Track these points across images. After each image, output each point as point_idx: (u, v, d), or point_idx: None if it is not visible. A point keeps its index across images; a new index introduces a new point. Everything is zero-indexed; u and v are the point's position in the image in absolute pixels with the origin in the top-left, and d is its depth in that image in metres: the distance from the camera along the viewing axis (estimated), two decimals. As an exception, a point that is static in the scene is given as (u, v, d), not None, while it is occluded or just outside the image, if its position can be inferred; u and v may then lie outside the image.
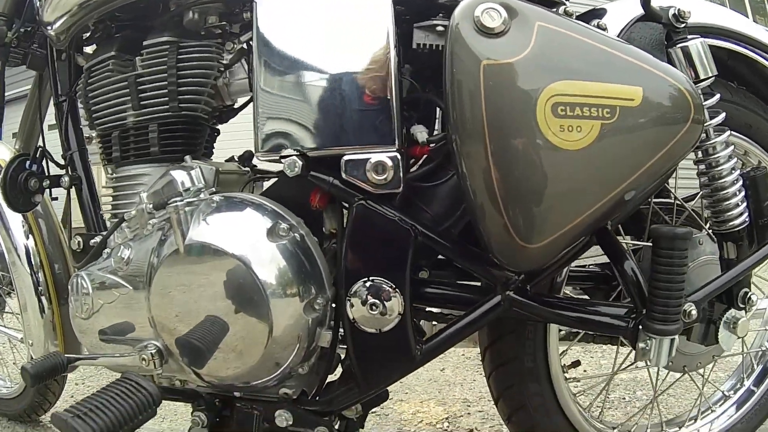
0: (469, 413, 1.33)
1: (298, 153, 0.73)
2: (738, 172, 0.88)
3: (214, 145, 0.96)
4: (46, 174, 1.07)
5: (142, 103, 0.88)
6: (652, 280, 0.74)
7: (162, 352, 0.78)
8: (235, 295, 0.72)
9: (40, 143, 1.10)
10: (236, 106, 0.97)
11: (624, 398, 1.32)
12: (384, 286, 0.73)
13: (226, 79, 0.92)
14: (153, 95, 0.87)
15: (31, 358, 1.21)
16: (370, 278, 0.74)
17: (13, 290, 1.29)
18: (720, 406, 1.08)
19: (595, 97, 0.67)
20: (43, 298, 1.18)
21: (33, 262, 1.19)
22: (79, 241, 0.93)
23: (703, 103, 0.75)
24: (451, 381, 1.56)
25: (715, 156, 0.86)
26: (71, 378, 1.56)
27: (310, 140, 0.74)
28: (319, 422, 0.81)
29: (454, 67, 0.65)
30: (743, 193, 0.88)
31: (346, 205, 0.76)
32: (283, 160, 0.73)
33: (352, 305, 0.74)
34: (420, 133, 0.77)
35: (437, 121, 0.91)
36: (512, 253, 0.68)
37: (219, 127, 0.98)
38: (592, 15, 0.87)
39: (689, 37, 0.84)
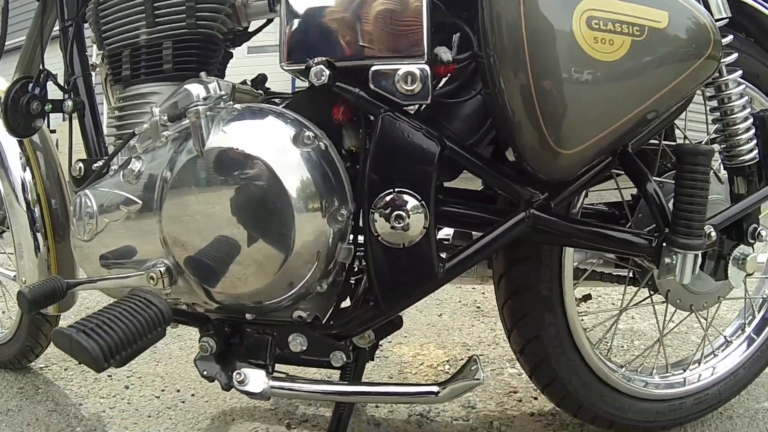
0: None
1: (325, 63, 0.71)
2: (749, 110, 0.90)
3: (226, 69, 0.94)
4: (48, 98, 1.02)
5: (157, 20, 0.85)
6: (677, 196, 0.76)
7: (171, 270, 0.74)
8: (257, 204, 0.69)
9: (42, 68, 1.06)
10: (251, 29, 0.94)
11: (623, 347, 1.34)
12: (410, 198, 0.71)
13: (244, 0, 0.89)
14: (169, 12, 0.85)
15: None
16: (396, 190, 0.72)
17: (6, 228, 1.23)
18: (722, 350, 1.10)
19: (626, 15, 0.68)
20: (38, 235, 1.13)
21: (29, 197, 1.13)
22: (80, 167, 0.89)
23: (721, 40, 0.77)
24: (450, 326, 1.55)
25: (728, 92, 0.89)
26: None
27: (338, 50, 0.72)
28: (334, 346, 0.79)
29: None
30: (753, 131, 0.90)
31: (371, 117, 0.75)
32: (310, 70, 0.71)
33: (375, 219, 0.72)
34: (444, 53, 0.76)
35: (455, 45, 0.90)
36: (547, 159, 0.69)
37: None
38: None
39: None
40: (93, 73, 1.00)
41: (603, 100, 0.69)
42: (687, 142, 0.98)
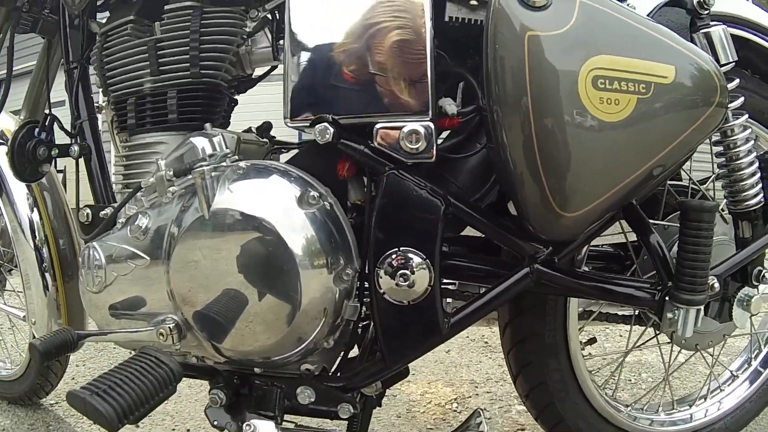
0: (477, 394, 1.33)
1: (329, 120, 0.72)
2: (755, 154, 0.90)
3: (231, 116, 0.94)
4: (55, 143, 1.03)
5: (161, 68, 0.85)
6: (680, 251, 0.76)
7: (180, 326, 0.75)
8: (263, 264, 0.70)
9: (48, 112, 1.07)
10: (254, 76, 0.94)
11: (630, 380, 1.34)
12: (414, 257, 0.72)
13: (248, 47, 0.89)
14: (173, 60, 0.85)
15: (33, 337, 1.17)
16: (401, 249, 0.72)
17: (15, 267, 1.24)
18: (729, 385, 1.11)
19: (633, 73, 0.68)
20: (47, 275, 1.14)
21: (37, 237, 1.14)
22: (87, 213, 0.90)
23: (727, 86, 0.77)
24: (457, 363, 1.56)
25: (734, 138, 0.89)
26: (71, 359, 1.51)
27: (342, 107, 0.73)
28: (342, 398, 0.80)
29: (497, 38, 0.66)
30: (759, 175, 0.90)
31: (374, 175, 0.75)
32: (314, 127, 0.71)
33: (380, 276, 0.73)
34: (449, 105, 0.76)
35: (459, 95, 0.90)
36: (549, 221, 0.69)
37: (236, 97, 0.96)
38: None
39: (712, 23, 0.85)
40: (99, 116, 1.01)
41: (608, 161, 0.69)
42: (691, 182, 0.98)
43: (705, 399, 1.07)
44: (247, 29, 0.88)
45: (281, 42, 0.83)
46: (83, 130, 0.99)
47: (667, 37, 0.73)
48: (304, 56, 0.73)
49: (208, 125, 0.82)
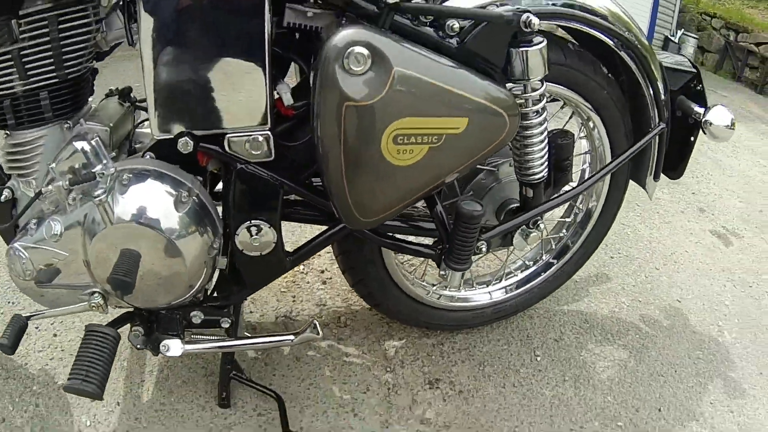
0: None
1: (189, 134, 0.96)
2: (546, 137, 1.11)
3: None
4: None
5: (28, 73, 0.95)
6: (453, 235, 1.11)
7: (105, 297, 1.04)
8: (157, 252, 0.99)
9: None
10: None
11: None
12: (262, 226, 1.07)
13: (103, 33, 1.01)
14: (39, 65, 0.95)
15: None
16: (251, 221, 1.06)
17: None
18: (521, 271, 1.58)
19: (428, 129, 0.89)
20: None
21: None
22: None
23: (518, 102, 1.00)
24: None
25: (529, 131, 1.09)
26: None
27: (197, 123, 0.96)
28: (221, 314, 1.17)
29: (322, 97, 0.86)
30: (547, 153, 1.14)
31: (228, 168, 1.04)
32: (177, 141, 0.96)
33: (241, 242, 1.08)
34: (285, 94, 0.98)
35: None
36: (351, 221, 1.02)
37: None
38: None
39: (534, 41, 0.98)
40: None
41: (400, 189, 0.97)
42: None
43: (501, 279, 1.55)
44: (101, 16, 0.98)
45: (134, 26, 0.95)
46: None
47: (468, 90, 0.91)
48: (162, 77, 0.91)
49: (82, 121, 0.99)
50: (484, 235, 1.19)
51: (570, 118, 1.43)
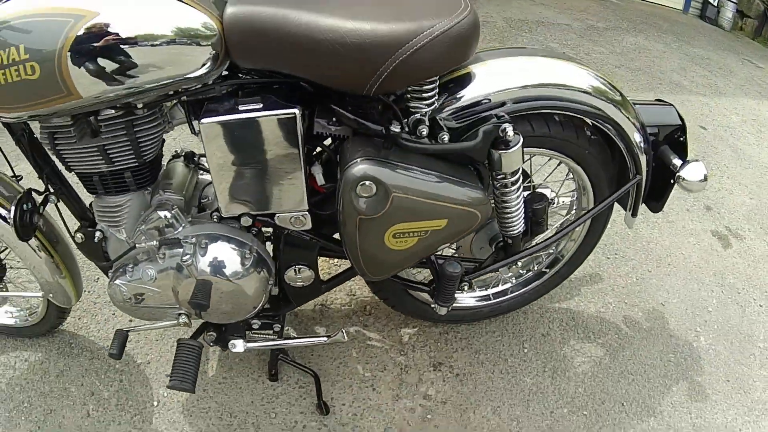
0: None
1: (249, 215, 1.30)
2: (522, 200, 1.36)
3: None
4: (37, 205, 1.34)
5: (113, 160, 1.19)
6: (438, 284, 1.46)
7: (189, 317, 1.43)
8: (231, 292, 1.35)
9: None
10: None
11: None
12: (303, 268, 1.43)
13: (170, 124, 1.26)
14: (121, 156, 1.19)
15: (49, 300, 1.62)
16: (296, 266, 1.42)
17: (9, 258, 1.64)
18: (515, 279, 1.87)
19: (417, 228, 1.19)
20: (42, 252, 1.48)
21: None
22: (80, 236, 1.36)
23: (498, 180, 1.28)
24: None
25: (507, 198, 1.34)
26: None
27: (255, 206, 1.28)
28: (273, 321, 1.57)
29: (343, 210, 1.17)
30: (522, 213, 1.38)
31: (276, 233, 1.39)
32: (240, 219, 1.31)
33: (288, 277, 1.44)
34: (318, 174, 1.29)
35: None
36: (365, 275, 1.34)
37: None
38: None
39: (511, 144, 1.20)
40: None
41: (398, 262, 1.30)
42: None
43: (499, 284, 1.87)
44: (166, 114, 1.21)
45: (194, 122, 1.17)
46: (50, 177, 1.31)
47: (449, 199, 1.16)
48: (226, 177, 1.20)
49: (161, 192, 1.31)
50: (467, 277, 1.51)
51: (558, 165, 1.65)
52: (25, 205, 1.33)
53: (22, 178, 1.48)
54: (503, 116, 1.21)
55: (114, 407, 1.67)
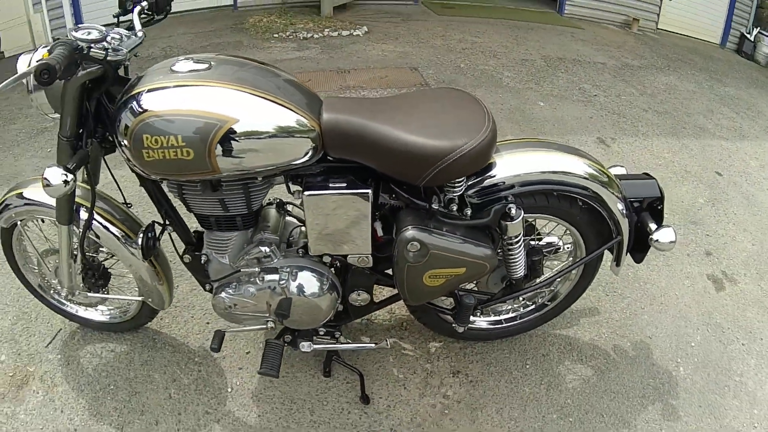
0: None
1: (331, 256, 1.81)
2: (522, 248, 1.81)
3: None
4: (156, 234, 1.79)
5: (228, 208, 1.66)
6: (456, 311, 1.97)
7: (275, 323, 1.94)
8: (311, 308, 1.85)
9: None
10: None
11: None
12: (362, 292, 1.94)
13: (271, 186, 1.68)
14: (234, 206, 1.65)
15: (144, 302, 2.01)
16: (357, 290, 1.93)
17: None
18: (523, 308, 2.28)
19: (446, 273, 1.69)
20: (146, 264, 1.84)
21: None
22: (188, 258, 1.81)
23: (496, 255, 1.71)
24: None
25: (510, 247, 1.81)
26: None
27: (335, 249, 1.79)
28: (335, 330, 2.08)
29: (397, 260, 1.67)
30: (523, 259, 1.84)
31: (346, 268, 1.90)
32: (321, 258, 1.83)
33: (351, 299, 1.95)
34: (378, 228, 1.80)
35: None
36: (407, 301, 1.88)
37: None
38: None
39: (514, 218, 1.69)
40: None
41: (431, 293, 1.80)
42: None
43: (500, 314, 2.28)
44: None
45: (292, 186, 1.65)
46: (168, 213, 1.76)
47: (468, 255, 1.68)
48: (317, 227, 1.72)
49: (262, 232, 1.84)
50: (480, 306, 2.01)
51: (556, 226, 2.07)
52: (150, 233, 1.78)
53: (132, 205, 1.91)
54: (510, 198, 1.72)
55: (193, 392, 2.03)
